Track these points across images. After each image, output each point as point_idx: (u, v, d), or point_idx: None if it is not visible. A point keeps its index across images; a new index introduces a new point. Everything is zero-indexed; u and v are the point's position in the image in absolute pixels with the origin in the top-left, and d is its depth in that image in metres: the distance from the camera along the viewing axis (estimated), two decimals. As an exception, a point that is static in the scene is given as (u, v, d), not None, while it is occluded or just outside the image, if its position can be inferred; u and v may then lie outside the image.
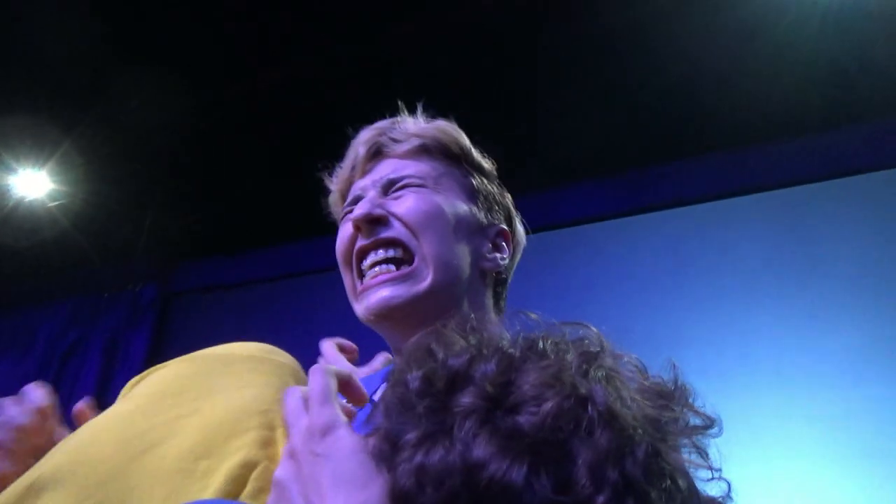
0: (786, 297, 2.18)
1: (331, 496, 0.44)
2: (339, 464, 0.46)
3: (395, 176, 0.84)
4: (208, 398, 0.57)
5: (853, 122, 2.29)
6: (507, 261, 0.86)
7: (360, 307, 0.80)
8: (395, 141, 0.87)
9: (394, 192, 0.83)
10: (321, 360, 0.84)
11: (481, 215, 0.86)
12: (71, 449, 0.55)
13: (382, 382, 0.59)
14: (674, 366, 0.50)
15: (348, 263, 0.84)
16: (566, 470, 0.40)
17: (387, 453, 0.46)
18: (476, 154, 0.90)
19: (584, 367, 0.46)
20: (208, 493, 0.48)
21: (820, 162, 2.31)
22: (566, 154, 2.53)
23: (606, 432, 0.42)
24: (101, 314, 3.27)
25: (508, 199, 0.93)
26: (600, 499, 0.40)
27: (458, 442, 0.42)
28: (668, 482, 0.42)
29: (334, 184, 0.92)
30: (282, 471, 0.49)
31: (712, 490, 0.47)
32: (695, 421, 0.48)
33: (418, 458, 0.43)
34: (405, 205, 0.81)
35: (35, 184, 2.90)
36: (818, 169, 2.30)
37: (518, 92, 2.44)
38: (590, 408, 0.43)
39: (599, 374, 0.46)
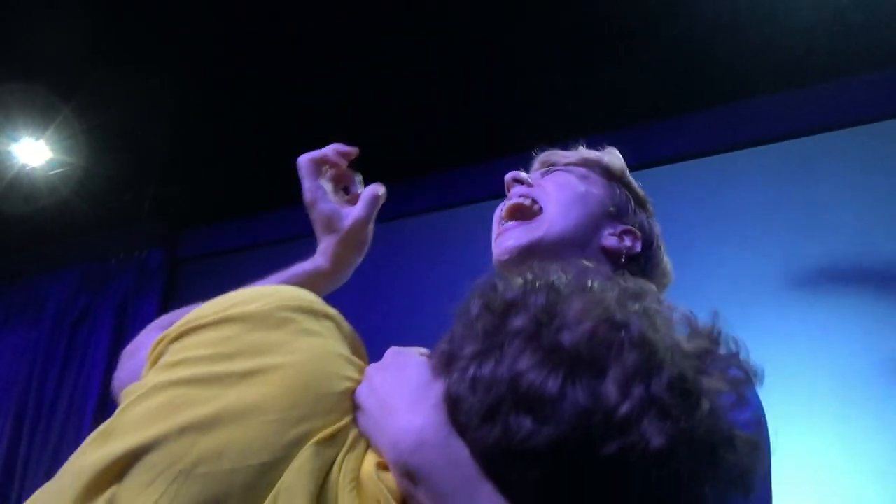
0: (790, 247, 2.19)
1: (396, 396, 0.54)
2: (405, 373, 0.57)
3: (556, 158, 1.06)
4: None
5: (856, 72, 2.26)
6: (632, 251, 1.00)
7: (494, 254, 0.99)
8: (564, 156, 1.08)
9: (547, 172, 1.05)
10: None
11: (614, 210, 1.02)
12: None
13: None
14: (716, 314, 0.54)
15: (497, 220, 1.02)
16: (596, 382, 0.46)
17: (444, 366, 0.55)
18: (629, 177, 1.08)
19: (625, 300, 0.51)
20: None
21: (823, 113, 2.30)
22: (570, 110, 2.52)
23: (636, 353, 0.47)
24: (109, 280, 3.31)
25: (655, 227, 1.08)
26: (624, 408, 0.45)
27: (507, 357, 0.49)
28: (693, 402, 0.47)
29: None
30: (360, 389, 0.57)
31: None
32: (738, 373, 0.52)
33: (472, 369, 0.51)
34: (551, 178, 1.03)
35: (36, 152, 2.90)
36: (821, 120, 2.29)
37: (518, 50, 2.42)
38: (623, 332, 0.48)
39: (637, 307, 0.51)
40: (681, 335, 0.51)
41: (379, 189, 0.88)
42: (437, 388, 0.54)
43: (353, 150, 0.89)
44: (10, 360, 3.32)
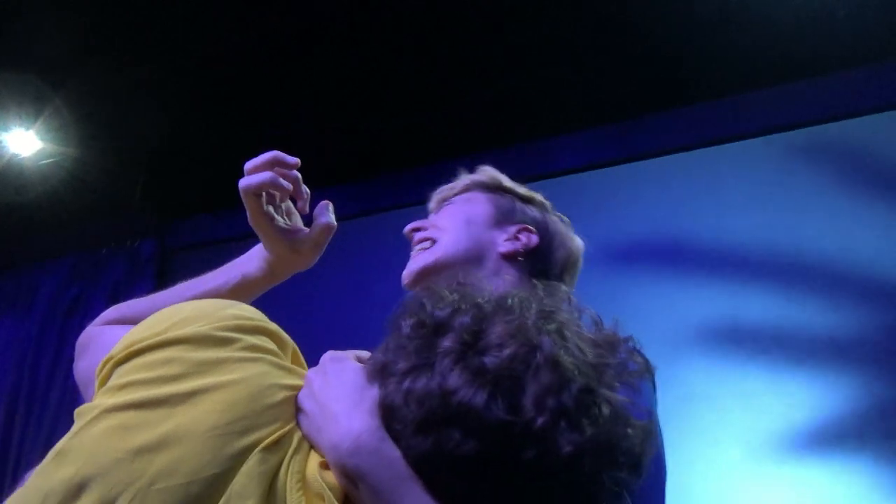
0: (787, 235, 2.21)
1: (335, 399, 0.60)
2: (342, 378, 0.63)
3: (444, 196, 1.20)
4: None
5: (840, 68, 2.29)
6: (529, 245, 1.10)
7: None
8: (451, 189, 1.21)
9: (440, 209, 1.19)
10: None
11: (501, 217, 1.13)
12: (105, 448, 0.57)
13: None
14: (616, 321, 0.63)
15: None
16: (516, 398, 0.54)
17: (379, 375, 0.61)
18: (505, 181, 1.19)
19: (541, 321, 0.58)
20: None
21: (809, 109, 2.33)
22: (558, 103, 2.54)
23: (549, 373, 0.54)
24: (100, 270, 3.30)
25: (551, 217, 1.18)
26: (539, 420, 0.53)
27: (438, 374, 0.56)
28: (595, 410, 0.55)
29: None
30: (301, 393, 0.63)
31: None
32: (633, 366, 0.61)
33: (406, 383, 0.57)
34: (439, 214, 1.17)
35: (26, 141, 2.89)
36: (806, 116, 2.32)
37: (508, 42, 2.43)
38: (538, 354, 0.55)
39: (551, 327, 0.58)
40: (587, 338, 0.60)
41: (332, 218, 0.89)
42: (372, 394, 0.60)
43: (294, 163, 0.87)
44: (1, 351, 3.32)
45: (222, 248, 3.07)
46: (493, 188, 1.19)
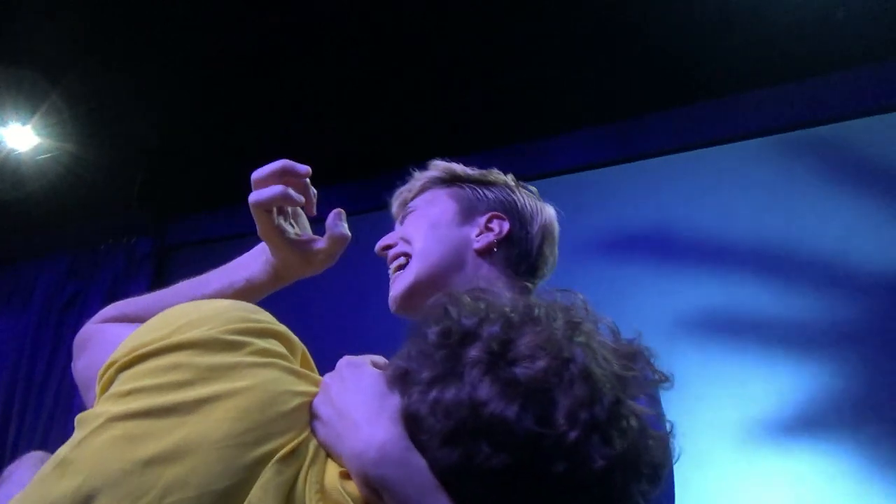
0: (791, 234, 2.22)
1: (355, 406, 0.58)
2: (361, 384, 0.60)
3: (405, 206, 1.14)
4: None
5: (838, 69, 2.29)
6: (502, 234, 1.06)
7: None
8: (409, 191, 1.15)
9: (404, 217, 1.13)
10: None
11: (467, 208, 1.09)
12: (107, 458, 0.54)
13: None
14: (639, 333, 0.63)
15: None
16: (549, 411, 0.53)
17: (400, 382, 0.59)
18: (460, 169, 1.13)
19: (570, 332, 0.57)
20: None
21: (807, 109, 2.33)
22: (558, 103, 2.54)
23: (582, 385, 0.54)
24: (98, 267, 3.30)
25: (515, 192, 1.13)
26: (572, 434, 0.52)
27: (467, 384, 0.54)
28: (625, 423, 0.54)
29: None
30: (317, 400, 0.61)
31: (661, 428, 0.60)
32: (652, 376, 0.61)
33: (434, 393, 0.55)
34: (405, 225, 1.11)
35: (23, 137, 2.89)
36: (804, 116, 2.32)
37: (508, 41, 2.43)
38: (571, 367, 0.54)
39: (581, 339, 0.57)
40: (611, 348, 0.59)
41: (345, 229, 0.85)
42: (394, 402, 0.58)
43: (305, 172, 0.83)
44: (-2, 347, 3.32)
45: (219, 246, 3.10)
46: (450, 181, 1.13)
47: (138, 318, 0.80)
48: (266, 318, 0.63)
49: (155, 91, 2.67)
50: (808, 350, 2.07)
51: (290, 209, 0.87)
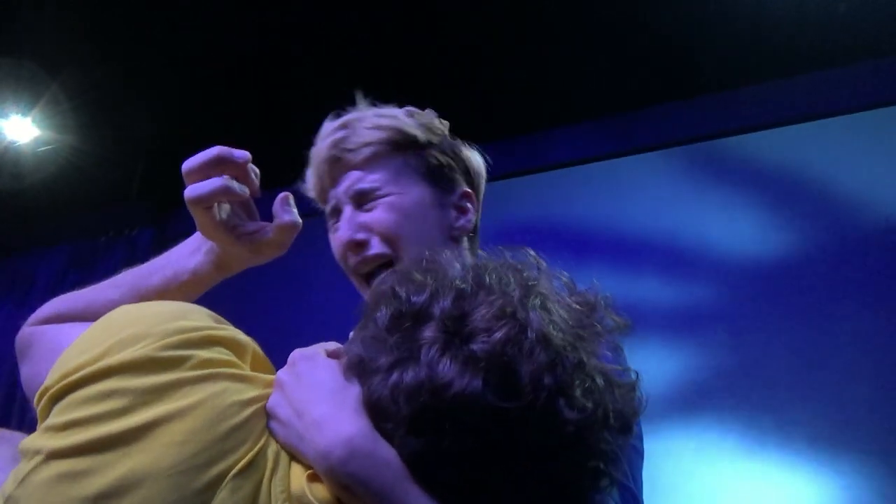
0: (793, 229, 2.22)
1: (314, 402, 0.55)
2: (318, 377, 0.57)
3: (362, 187, 0.96)
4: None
5: (838, 64, 2.29)
6: (475, 216, 0.99)
7: None
8: (350, 150, 0.97)
9: (365, 205, 0.96)
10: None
11: (441, 189, 0.98)
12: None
13: None
14: (594, 282, 0.61)
15: (348, 269, 0.98)
16: (512, 382, 0.51)
17: (358, 371, 0.56)
18: (420, 132, 0.99)
19: (524, 297, 0.55)
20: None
21: (809, 102, 2.32)
22: (559, 95, 2.54)
23: (542, 352, 0.52)
24: (98, 258, 3.30)
25: (461, 151, 1.03)
26: (539, 401, 0.51)
27: (425, 366, 0.52)
28: (590, 382, 0.53)
29: (308, 182, 1.04)
30: (272, 399, 0.57)
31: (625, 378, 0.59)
32: (611, 325, 0.60)
33: (393, 377, 0.53)
34: (377, 219, 0.94)
35: (24, 128, 2.89)
36: (807, 109, 2.32)
37: (509, 34, 2.42)
38: (529, 333, 0.53)
39: (536, 301, 0.55)
40: (567, 305, 0.57)
41: (295, 215, 0.77)
42: (354, 392, 0.56)
43: (243, 159, 0.74)
44: (-1, 338, 3.32)
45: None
46: (405, 146, 0.98)
47: (77, 317, 0.78)
48: (205, 324, 0.59)
49: (155, 82, 2.66)
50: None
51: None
